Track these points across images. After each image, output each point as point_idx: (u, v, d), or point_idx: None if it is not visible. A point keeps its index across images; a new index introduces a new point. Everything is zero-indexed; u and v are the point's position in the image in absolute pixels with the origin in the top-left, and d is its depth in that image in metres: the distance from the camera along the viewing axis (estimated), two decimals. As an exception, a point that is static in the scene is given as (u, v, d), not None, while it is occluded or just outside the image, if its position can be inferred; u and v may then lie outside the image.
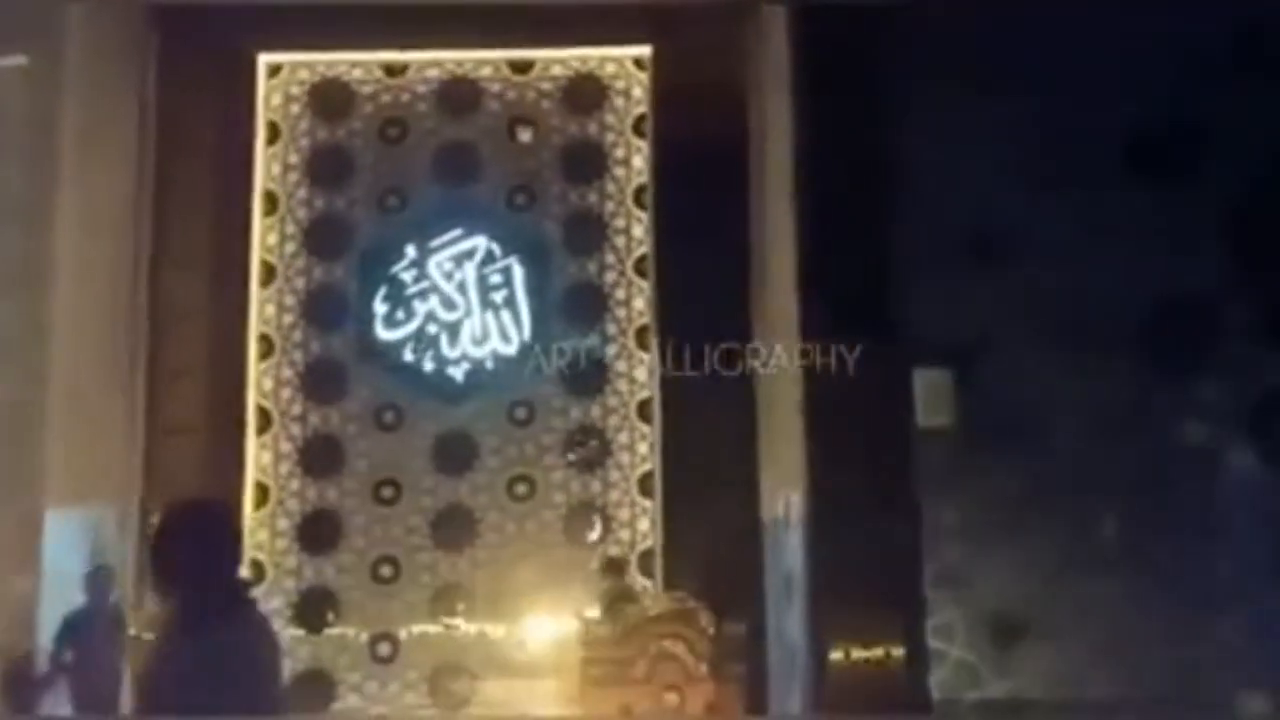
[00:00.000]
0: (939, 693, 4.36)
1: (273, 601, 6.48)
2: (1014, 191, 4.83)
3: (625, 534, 6.81)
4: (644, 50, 7.33)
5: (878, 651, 4.54)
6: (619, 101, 7.35)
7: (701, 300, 6.63)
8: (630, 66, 7.40)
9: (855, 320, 4.75)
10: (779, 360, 5.76)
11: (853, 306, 4.79)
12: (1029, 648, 4.38)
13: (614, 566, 6.24)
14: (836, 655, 4.63)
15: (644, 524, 6.79)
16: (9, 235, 5.16)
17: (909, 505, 4.55)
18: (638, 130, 7.30)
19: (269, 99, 7.23)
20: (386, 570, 6.75)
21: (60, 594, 5.61)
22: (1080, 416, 4.53)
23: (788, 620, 5.59)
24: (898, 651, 4.54)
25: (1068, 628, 4.39)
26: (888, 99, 4.95)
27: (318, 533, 6.78)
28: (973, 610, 4.43)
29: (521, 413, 6.94)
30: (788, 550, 5.74)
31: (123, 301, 6.42)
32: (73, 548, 5.82)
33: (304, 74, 7.30)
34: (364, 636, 6.65)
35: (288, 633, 6.45)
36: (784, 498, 5.79)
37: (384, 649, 6.65)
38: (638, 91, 7.35)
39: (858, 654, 4.59)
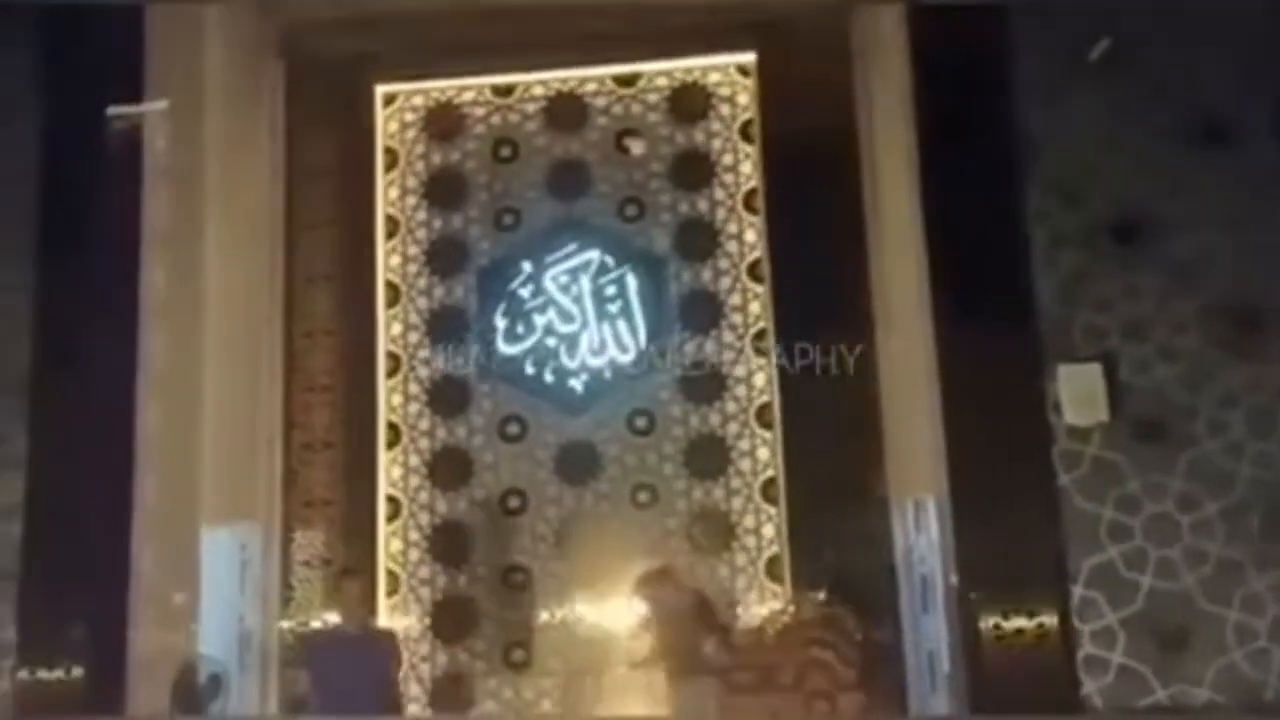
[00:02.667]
0: (1102, 700, 4.26)
1: (409, 611, 6.70)
2: (1152, 169, 4.74)
3: (750, 541, 6.82)
4: (748, 57, 7.35)
5: (1027, 654, 4.46)
6: (725, 109, 7.39)
7: (819, 301, 6.62)
8: (735, 73, 7.44)
9: (989, 313, 4.69)
10: (904, 359, 5.74)
11: (986, 299, 4.72)
12: (1192, 651, 4.27)
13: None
14: (983, 658, 4.57)
15: (769, 530, 6.79)
16: (160, 267, 5.40)
17: (1052, 505, 4.48)
18: (745, 135, 7.33)
19: (386, 126, 7.46)
20: (518, 578, 6.88)
21: (214, 607, 5.89)
22: (1240, 407, 4.40)
23: (925, 626, 5.54)
24: (1048, 655, 4.46)
25: (1230, 627, 4.27)
26: (1010, 81, 4.89)
27: (448, 543, 6.95)
28: (1132, 614, 4.33)
29: (641, 422, 7.02)
30: (918, 554, 5.70)
31: (262, 324, 6.69)
32: (225, 563, 6.09)
33: (418, 100, 7.52)
34: (498, 643, 6.79)
35: (426, 642, 6.67)
36: (914, 500, 5.75)
37: (518, 655, 6.79)
38: (743, 98, 7.38)
39: (1005, 656, 4.52)
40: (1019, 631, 4.47)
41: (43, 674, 4.72)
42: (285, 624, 6.61)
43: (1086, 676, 4.32)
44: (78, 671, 4.73)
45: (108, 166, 5.30)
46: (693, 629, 5.59)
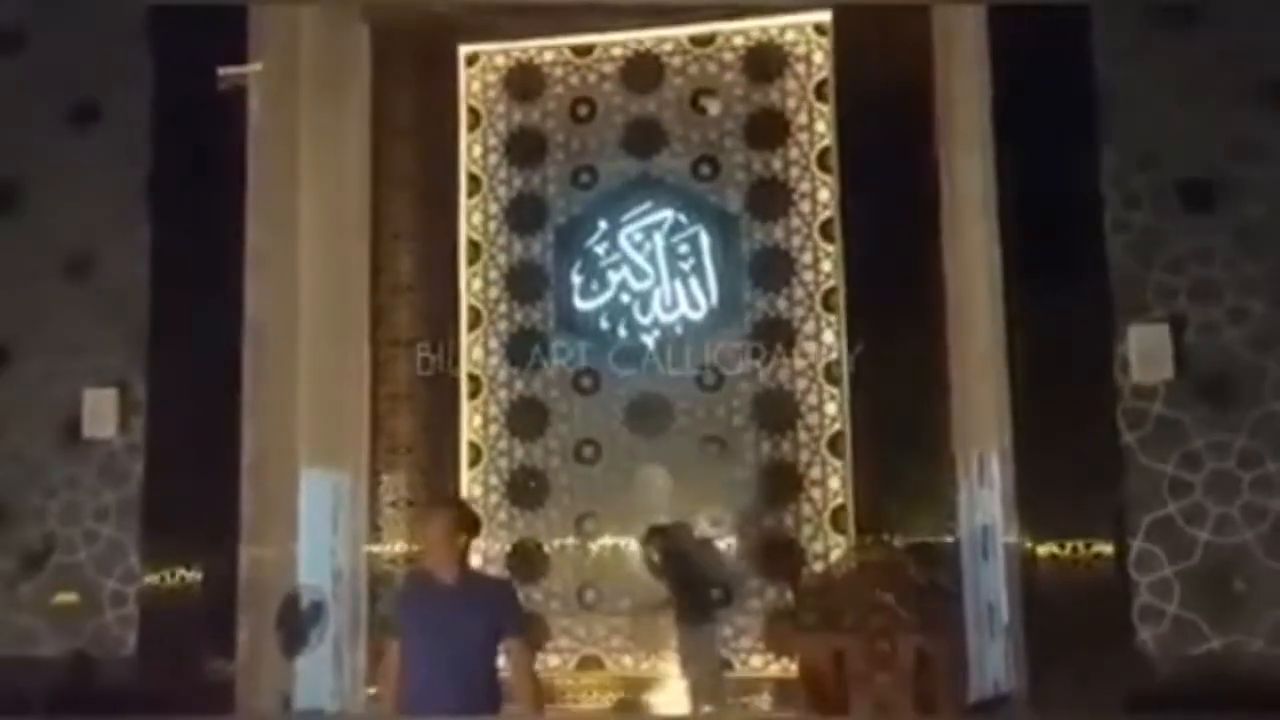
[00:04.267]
0: (1156, 648, 4.41)
1: (492, 550, 7.07)
2: (1227, 131, 4.75)
3: (816, 493, 7.03)
4: (824, 16, 7.41)
5: (1084, 604, 4.60)
6: (800, 68, 7.48)
7: (890, 260, 6.71)
8: (810, 32, 7.51)
9: (1061, 272, 4.78)
10: (974, 316, 5.85)
11: (1058, 258, 4.80)
12: (1247, 604, 4.39)
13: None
14: (1040, 608, 4.73)
15: (835, 482, 6.99)
16: (260, 224, 5.71)
17: (1115, 461, 4.59)
18: (819, 95, 7.41)
19: (469, 86, 7.69)
20: (590, 525, 7.19)
21: (310, 543, 6.30)
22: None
23: (984, 576, 5.72)
24: (1105, 605, 4.59)
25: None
26: (1087, 41, 4.91)
27: (526, 489, 7.27)
28: (1189, 567, 4.46)
29: (711, 377, 7.22)
30: (981, 506, 5.86)
31: (350, 279, 7.03)
32: (319, 503, 6.49)
33: (499, 60, 7.73)
34: (572, 583, 7.13)
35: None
36: (978, 453, 5.90)
37: (590, 595, 7.11)
38: (819, 57, 7.45)
39: (1062, 606, 4.67)
40: (1077, 582, 4.61)
41: (161, 599, 5.13)
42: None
43: (1141, 625, 4.46)
44: (193, 598, 5.13)
45: (215, 127, 5.59)
46: (700, 578, 6.15)
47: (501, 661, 3.60)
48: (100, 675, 5.07)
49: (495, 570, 6.95)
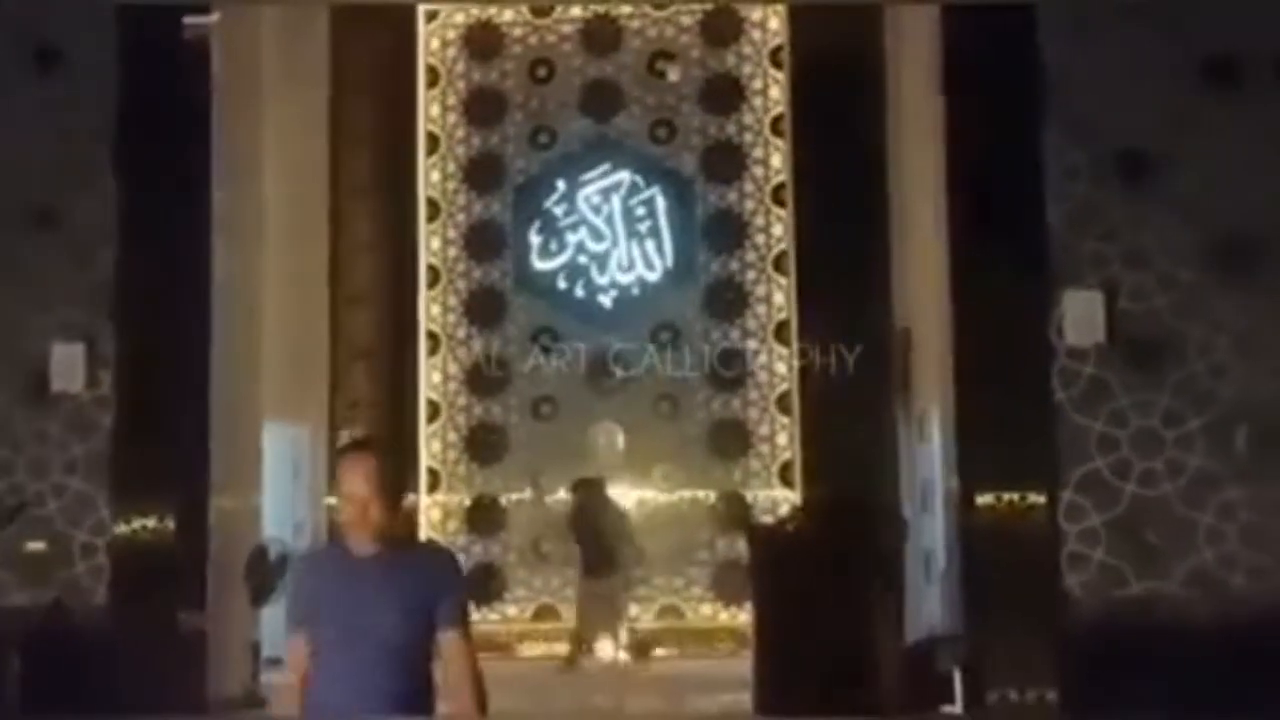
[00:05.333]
0: (1082, 591, 4.74)
1: (450, 505, 7.26)
2: (1161, 108, 5.00)
3: (765, 448, 7.31)
4: (779, -18, 7.57)
5: (1016, 550, 4.90)
6: (756, 34, 7.65)
7: (841, 224, 6.96)
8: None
9: (1003, 238, 5.02)
10: (918, 278, 6.11)
11: (1000, 224, 5.04)
12: (1171, 549, 4.73)
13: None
14: (975, 554, 5.03)
15: (782, 439, 7.27)
16: (224, 183, 5.74)
17: (1049, 419, 4.88)
18: (775, 61, 7.59)
19: (427, 43, 7.73)
20: (546, 480, 7.40)
21: (272, 495, 6.42)
22: (1228, 332, 4.78)
23: (924, 526, 6.03)
24: (1036, 551, 4.90)
25: (1202, 531, 4.73)
26: (1032, 18, 5.10)
27: (485, 444, 7.45)
28: (1115, 516, 4.79)
29: (666, 335, 7.43)
30: (921, 460, 6.17)
31: (310, 237, 7.09)
32: (281, 457, 6.60)
33: (458, 18, 7.78)
34: (529, 536, 7.35)
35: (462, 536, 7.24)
36: (920, 410, 6.20)
37: (545, 547, 7.34)
38: (774, 23, 7.62)
39: (995, 552, 4.97)
40: (1010, 531, 4.92)
41: (132, 551, 5.22)
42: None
43: (1070, 571, 4.78)
44: (163, 549, 5.23)
45: (179, 78, 5.58)
46: (617, 537, 6.41)
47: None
48: (72, 625, 5.15)
49: (454, 526, 7.16)
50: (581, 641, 6.43)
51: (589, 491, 6.58)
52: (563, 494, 7.30)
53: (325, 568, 2.64)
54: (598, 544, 6.41)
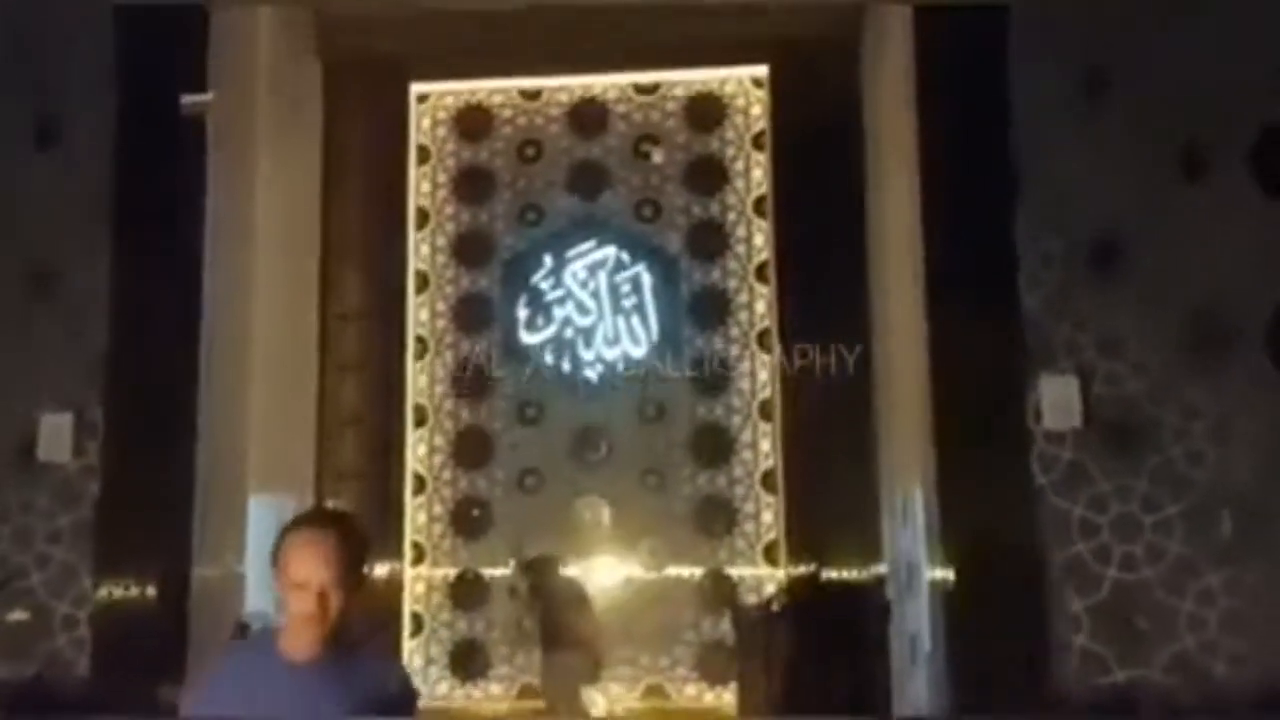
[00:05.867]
0: (1067, 679, 4.78)
1: (434, 582, 7.22)
2: (1133, 197, 5.18)
3: (750, 526, 7.35)
4: (762, 70, 7.82)
5: (1000, 636, 4.94)
6: (739, 118, 7.86)
7: (821, 303, 7.10)
8: (749, 85, 7.91)
9: (980, 323, 5.15)
10: (899, 361, 6.23)
11: (978, 309, 5.17)
12: (1153, 635, 4.79)
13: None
14: (959, 638, 5.07)
15: (768, 516, 7.32)
16: (217, 251, 5.82)
17: (1030, 502, 4.97)
18: (757, 144, 7.80)
19: (419, 123, 7.90)
20: (531, 552, 7.38)
21: (255, 566, 6.37)
22: (1203, 418, 4.91)
23: (909, 608, 6.07)
24: (1019, 637, 4.94)
25: (1186, 617, 4.80)
26: (1007, 106, 5.29)
27: (469, 518, 7.45)
28: (1097, 602, 4.86)
29: (651, 410, 7.51)
30: (904, 542, 6.22)
31: (300, 307, 7.15)
32: (266, 527, 6.57)
33: (449, 100, 7.97)
34: (511, 614, 7.30)
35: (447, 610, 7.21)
36: (902, 491, 6.27)
37: (528, 623, 7.28)
38: (756, 109, 7.85)
39: (979, 637, 5.02)
40: (994, 615, 4.96)
41: (114, 622, 5.19)
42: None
43: (1053, 657, 4.84)
44: (146, 621, 5.20)
45: (175, 154, 5.69)
46: (572, 611, 6.38)
47: None
48: (53, 698, 5.09)
49: (438, 600, 7.11)
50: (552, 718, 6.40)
51: (541, 570, 6.62)
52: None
53: (251, 674, 2.08)
54: (555, 620, 6.41)
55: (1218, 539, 4.87)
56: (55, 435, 5.36)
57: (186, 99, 5.87)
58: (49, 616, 5.23)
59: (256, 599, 6.29)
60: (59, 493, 5.36)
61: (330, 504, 6.75)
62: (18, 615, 5.20)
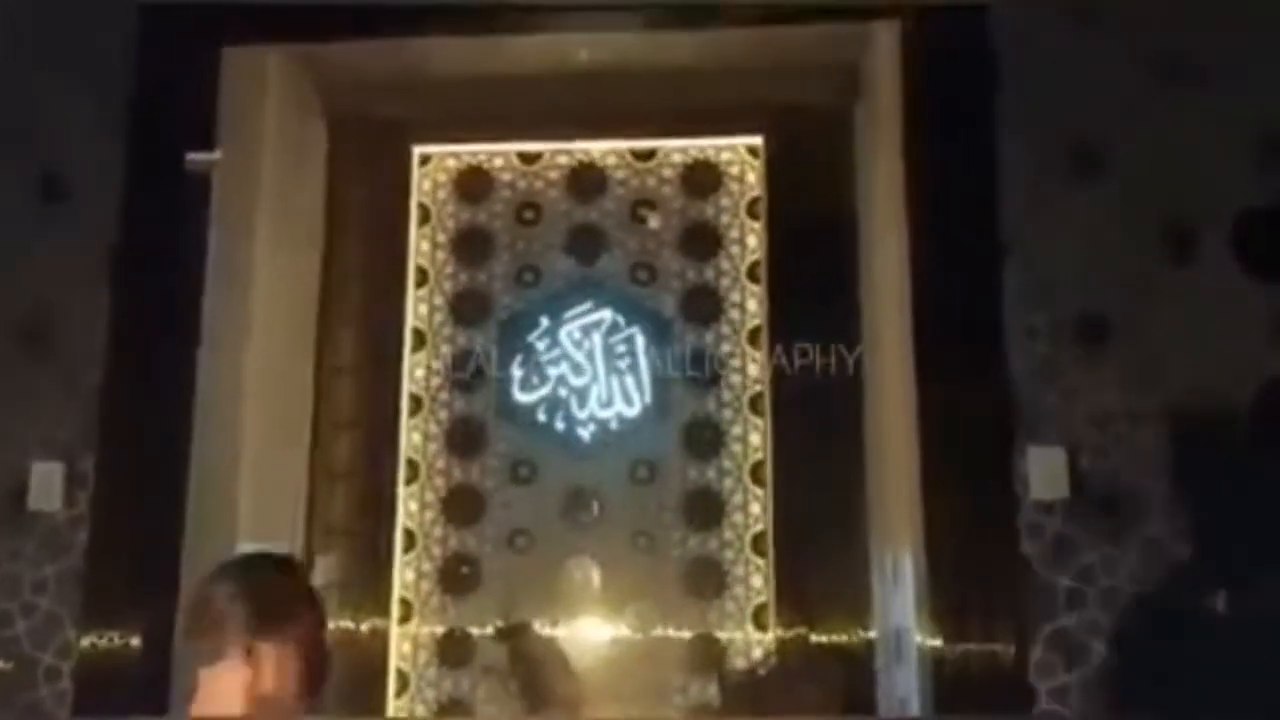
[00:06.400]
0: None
1: (421, 637, 7.18)
2: (1120, 275, 5.29)
3: (740, 589, 7.33)
4: (757, 140, 7.97)
5: (989, 707, 4.95)
6: (734, 186, 8.00)
7: (813, 366, 7.17)
8: (745, 154, 8.05)
9: (969, 394, 5.23)
10: (889, 430, 6.28)
11: (967, 380, 5.27)
12: (1141, 708, 4.79)
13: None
14: (948, 708, 5.07)
15: (757, 580, 7.31)
16: (216, 304, 5.90)
17: (1018, 572, 5.01)
18: (751, 212, 7.93)
19: (420, 184, 8.03)
20: (511, 618, 7.35)
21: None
22: (1191, 491, 4.96)
23: (896, 674, 6.06)
24: (1008, 708, 4.94)
25: (1176, 690, 4.79)
26: (995, 182, 5.44)
27: (458, 576, 7.43)
28: (1085, 674, 4.86)
29: (643, 472, 7.53)
30: (893, 608, 6.22)
31: (297, 361, 7.21)
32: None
33: (450, 162, 8.10)
34: (497, 674, 7.25)
35: (433, 668, 7.16)
36: (891, 557, 6.29)
37: (513, 685, 7.23)
38: (752, 177, 7.99)
39: (968, 707, 5.02)
40: (981, 685, 4.97)
41: (97, 673, 5.16)
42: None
43: (1044, 729, 4.84)
44: (130, 673, 5.17)
45: (179, 210, 5.80)
46: (554, 673, 6.43)
47: None
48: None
49: (425, 658, 7.04)
50: None
51: (517, 635, 6.63)
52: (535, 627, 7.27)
53: None
54: (536, 682, 6.41)
55: (1211, 611, 4.90)
56: (46, 484, 5.38)
57: (192, 157, 6.00)
58: (32, 667, 5.21)
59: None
60: (48, 541, 5.37)
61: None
62: (0, 665, 5.17)
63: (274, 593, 1.90)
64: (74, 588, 5.26)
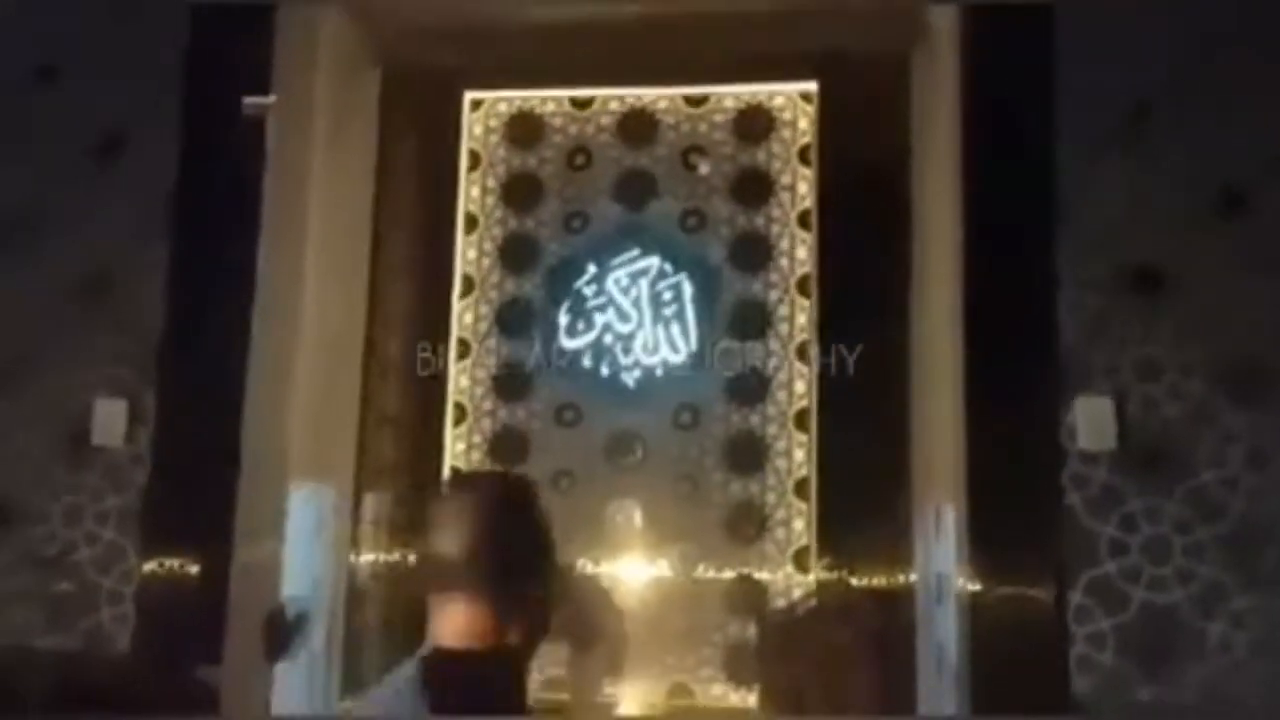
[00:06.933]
0: (1090, 695, 4.79)
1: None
2: (1174, 228, 5.20)
3: (781, 533, 7.40)
4: (811, 85, 7.88)
5: (1026, 650, 4.97)
6: (786, 132, 7.93)
7: (861, 318, 7.15)
8: (798, 100, 7.97)
9: (1018, 343, 5.19)
10: (936, 378, 6.26)
11: (1016, 330, 5.22)
12: (1180, 656, 4.79)
13: None
14: (985, 651, 5.10)
15: (799, 524, 7.36)
16: (270, 256, 6.01)
17: (1060, 521, 4.99)
18: (803, 159, 7.86)
19: (471, 130, 8.07)
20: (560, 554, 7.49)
21: (295, 554, 6.56)
22: (1234, 444, 4.90)
23: (937, 618, 6.09)
24: (1045, 652, 4.96)
25: (1220, 636, 4.78)
26: (1053, 134, 5.35)
27: (504, 517, 7.58)
28: (1123, 621, 4.86)
29: (686, 417, 7.59)
30: (935, 554, 6.24)
31: (349, 307, 7.34)
32: (305, 517, 6.76)
33: (502, 107, 8.12)
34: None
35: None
36: (935, 505, 6.29)
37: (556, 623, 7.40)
38: (804, 123, 7.91)
39: (1005, 651, 5.04)
40: (1020, 631, 4.99)
41: (156, 601, 5.38)
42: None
43: (1077, 674, 4.84)
44: (187, 602, 5.38)
45: (236, 156, 5.90)
46: (598, 609, 6.46)
47: None
48: (93, 671, 5.29)
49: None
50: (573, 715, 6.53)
51: (562, 576, 6.72)
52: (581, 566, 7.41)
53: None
54: (580, 619, 6.54)
55: (1249, 564, 4.86)
56: (109, 421, 5.57)
57: (249, 101, 6.08)
58: (94, 592, 5.44)
59: (295, 581, 6.49)
60: (110, 475, 5.58)
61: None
62: (65, 588, 5.41)
63: None
64: (134, 519, 5.47)
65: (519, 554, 1.57)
